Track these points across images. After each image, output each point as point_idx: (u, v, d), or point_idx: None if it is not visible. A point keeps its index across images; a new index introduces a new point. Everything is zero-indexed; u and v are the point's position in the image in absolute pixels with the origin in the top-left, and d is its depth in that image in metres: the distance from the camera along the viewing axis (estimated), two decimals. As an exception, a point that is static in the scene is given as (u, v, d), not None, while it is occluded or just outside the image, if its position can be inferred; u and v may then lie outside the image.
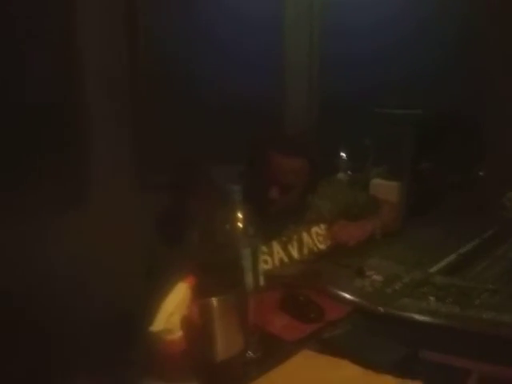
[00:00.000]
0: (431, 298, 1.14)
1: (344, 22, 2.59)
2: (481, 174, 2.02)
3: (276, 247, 1.53)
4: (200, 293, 0.87)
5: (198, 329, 0.83)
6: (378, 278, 1.26)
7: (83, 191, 1.80)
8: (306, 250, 1.59)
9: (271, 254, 1.51)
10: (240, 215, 1.05)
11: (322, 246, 1.62)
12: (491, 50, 2.36)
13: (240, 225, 1.05)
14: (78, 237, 1.54)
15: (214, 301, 0.95)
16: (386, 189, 1.97)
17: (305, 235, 1.59)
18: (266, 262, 1.47)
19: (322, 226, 1.63)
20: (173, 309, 0.77)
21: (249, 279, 1.02)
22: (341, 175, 2.35)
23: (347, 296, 1.19)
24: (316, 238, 1.62)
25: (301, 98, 2.65)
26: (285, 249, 1.55)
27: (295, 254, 1.56)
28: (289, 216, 1.57)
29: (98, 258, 1.41)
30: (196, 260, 1.07)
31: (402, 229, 1.65)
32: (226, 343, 0.95)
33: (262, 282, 1.05)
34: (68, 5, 1.78)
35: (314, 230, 1.62)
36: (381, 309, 1.12)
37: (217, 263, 1.02)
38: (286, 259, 1.54)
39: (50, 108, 1.82)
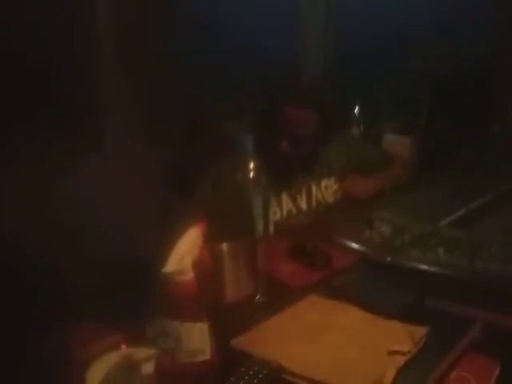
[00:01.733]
0: (439, 250, 1.15)
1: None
2: (496, 129, 1.99)
3: (285, 198, 1.54)
4: (211, 238, 0.88)
5: (209, 272, 0.85)
6: (386, 229, 1.26)
7: (96, 141, 1.80)
8: (314, 203, 1.59)
9: (280, 205, 1.52)
10: (252, 164, 1.05)
11: (331, 199, 1.62)
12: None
13: (252, 173, 1.05)
14: (91, 185, 1.56)
15: (225, 245, 0.97)
16: (398, 144, 1.95)
17: (314, 187, 1.60)
18: (274, 212, 1.49)
19: (332, 179, 1.63)
20: (185, 251, 0.79)
21: (259, 226, 1.03)
22: (354, 129, 2.32)
23: (355, 246, 1.21)
24: (325, 190, 1.62)
25: (316, 47, 2.59)
26: (294, 200, 1.55)
27: (304, 205, 1.57)
28: (299, 168, 1.56)
29: (113, 203, 1.44)
30: (208, 207, 1.08)
31: (413, 183, 1.65)
32: (235, 286, 0.98)
33: (271, 230, 1.07)
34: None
35: (324, 182, 1.62)
36: (388, 258, 1.14)
37: (228, 210, 1.03)
38: (294, 210, 1.55)
39: (64, 61, 1.81)
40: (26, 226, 1.30)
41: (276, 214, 1.49)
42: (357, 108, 2.38)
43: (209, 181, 1.32)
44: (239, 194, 1.05)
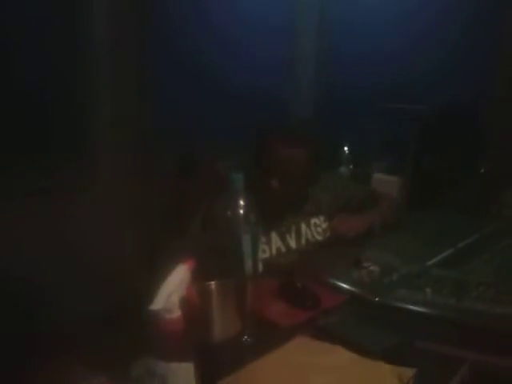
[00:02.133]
0: (427, 290, 1.15)
1: (353, 17, 2.60)
2: (482, 170, 2.03)
3: (274, 237, 1.54)
4: (200, 276, 0.88)
5: (196, 310, 0.84)
6: (375, 268, 1.27)
7: (88, 178, 1.82)
8: (303, 241, 1.60)
9: (269, 244, 1.53)
10: (242, 202, 1.06)
11: (319, 238, 1.63)
12: (495, 48, 2.36)
13: (241, 211, 1.06)
14: (81, 220, 1.56)
15: (213, 284, 0.97)
16: (386, 183, 1.98)
17: (303, 226, 1.61)
18: (263, 251, 1.49)
19: (321, 218, 1.65)
20: (172, 289, 0.79)
21: (248, 265, 1.03)
22: (343, 169, 2.36)
23: (343, 285, 1.21)
24: (314, 229, 1.63)
25: (307, 89, 2.66)
26: (283, 239, 1.56)
27: (293, 244, 1.58)
28: (288, 207, 1.58)
29: (103, 239, 1.44)
30: (197, 244, 1.08)
31: (401, 223, 1.66)
32: (223, 326, 0.97)
33: (260, 268, 1.07)
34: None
35: (313, 221, 1.63)
36: (376, 298, 1.14)
37: (217, 248, 1.03)
38: (283, 249, 1.56)
39: (60, 97, 1.85)
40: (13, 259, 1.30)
41: (265, 253, 1.50)
42: (346, 147, 2.43)
43: (199, 218, 1.32)
44: (229, 232, 1.05)
